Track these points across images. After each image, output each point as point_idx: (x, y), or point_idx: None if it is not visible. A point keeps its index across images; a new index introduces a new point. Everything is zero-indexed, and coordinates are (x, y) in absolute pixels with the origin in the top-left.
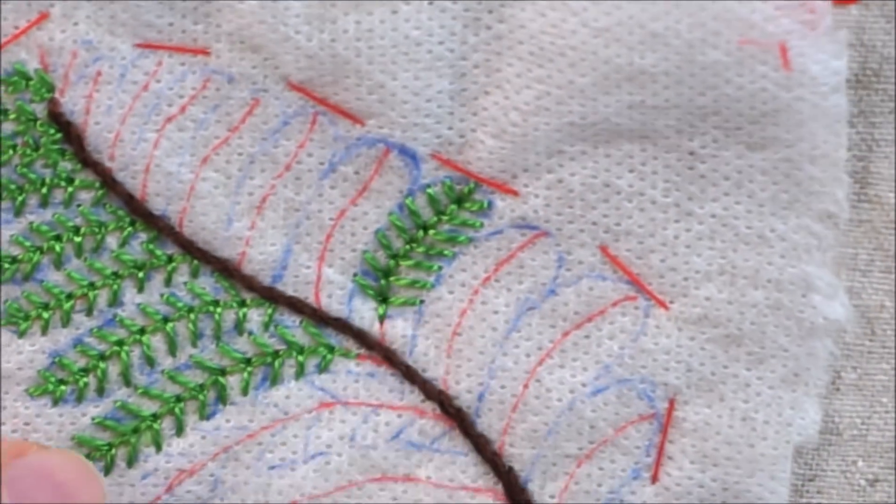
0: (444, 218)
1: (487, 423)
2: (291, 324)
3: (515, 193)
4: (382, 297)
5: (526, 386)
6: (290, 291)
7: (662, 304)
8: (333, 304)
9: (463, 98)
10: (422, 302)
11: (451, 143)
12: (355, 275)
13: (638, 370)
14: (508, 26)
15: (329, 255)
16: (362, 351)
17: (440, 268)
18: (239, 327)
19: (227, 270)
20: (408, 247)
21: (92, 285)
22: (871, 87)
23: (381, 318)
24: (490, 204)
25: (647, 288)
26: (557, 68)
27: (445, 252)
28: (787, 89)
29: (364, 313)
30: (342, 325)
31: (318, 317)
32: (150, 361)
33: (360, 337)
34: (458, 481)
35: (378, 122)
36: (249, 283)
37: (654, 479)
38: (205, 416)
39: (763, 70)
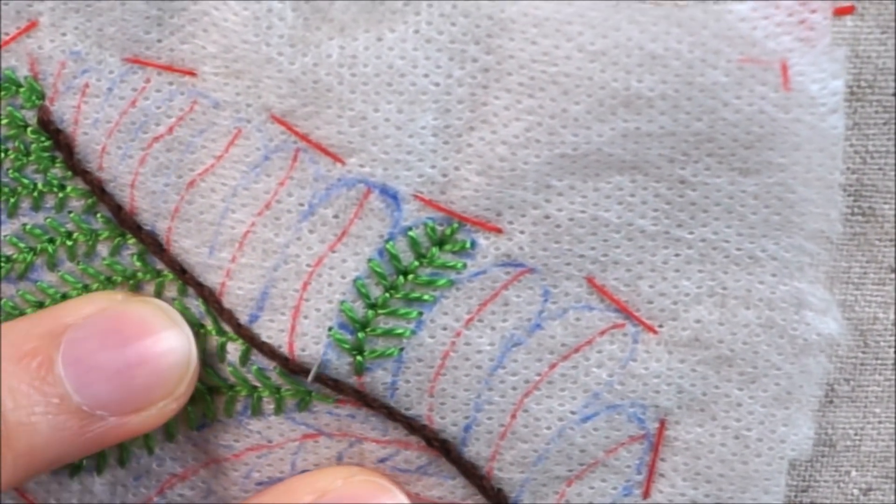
0: (425, 261)
1: (475, 451)
2: (267, 365)
3: (500, 231)
4: (359, 352)
5: (514, 416)
6: (264, 336)
7: (651, 329)
8: (307, 356)
9: (446, 135)
10: (401, 350)
11: (434, 182)
12: (331, 328)
13: (628, 395)
14: (496, 58)
15: (305, 305)
16: (340, 397)
17: (420, 314)
18: (220, 354)
19: (208, 299)
20: (387, 295)
21: (86, 288)
22: (865, 99)
23: (359, 371)
24: (473, 243)
25: (634, 314)
26: (550, 97)
27: (426, 297)
28: (784, 110)
29: (340, 368)
30: (316, 378)
31: (290, 367)
32: None
33: (337, 387)
34: (446, 500)
35: (359, 159)
36: (227, 317)
37: (646, 495)
38: (194, 426)
39: (762, 91)
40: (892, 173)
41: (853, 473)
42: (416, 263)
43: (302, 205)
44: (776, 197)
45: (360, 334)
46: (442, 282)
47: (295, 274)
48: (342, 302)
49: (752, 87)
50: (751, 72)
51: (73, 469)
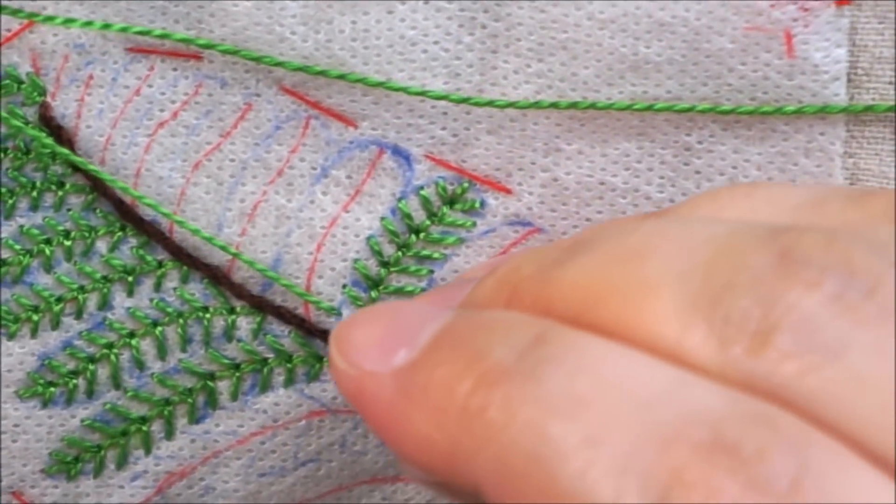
0: (436, 220)
1: None
2: (280, 333)
3: (509, 192)
4: None
5: None
6: (279, 301)
7: None
8: (322, 315)
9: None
10: None
11: (445, 143)
12: (345, 286)
13: None
14: (505, 24)
15: (319, 265)
16: None
17: (431, 272)
18: (228, 334)
19: (216, 278)
20: (399, 253)
21: (82, 289)
22: (862, 87)
23: None
24: (483, 203)
25: None
26: (559, 62)
27: (436, 255)
28: (788, 77)
29: None
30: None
31: (306, 328)
32: (139, 365)
33: None
34: None
35: (371, 123)
36: (238, 292)
37: None
38: (194, 419)
39: (766, 58)
40: (890, 159)
41: None
42: (428, 222)
43: (314, 168)
44: (778, 168)
45: (374, 292)
46: (452, 240)
47: (309, 237)
48: (356, 260)
49: (756, 53)
50: (756, 39)
51: (70, 471)
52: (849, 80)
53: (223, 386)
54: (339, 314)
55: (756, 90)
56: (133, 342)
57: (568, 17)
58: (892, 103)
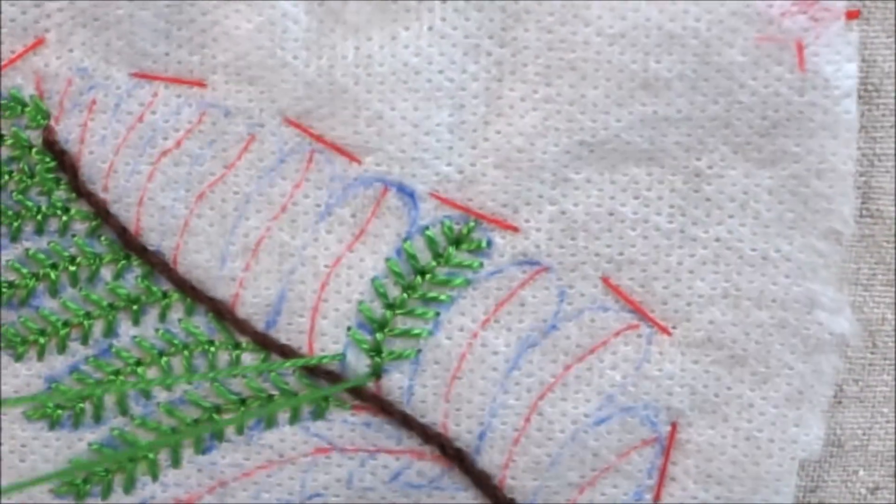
0: (442, 261)
1: (488, 460)
2: (285, 371)
3: (516, 230)
4: (377, 352)
5: (528, 420)
6: (283, 339)
7: (665, 330)
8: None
9: (462, 131)
10: (419, 352)
11: (451, 180)
12: (349, 328)
13: (641, 397)
14: (510, 50)
15: (323, 305)
16: (357, 402)
17: (437, 314)
18: (233, 368)
19: (219, 312)
20: (404, 295)
21: (88, 315)
22: (872, 103)
23: (377, 373)
24: (489, 242)
25: (649, 315)
26: (567, 83)
27: (443, 297)
28: (799, 93)
29: (358, 368)
30: (335, 379)
31: (310, 368)
32: (145, 394)
33: (355, 391)
34: None
35: (376, 158)
36: (242, 327)
37: (657, 497)
38: (201, 450)
39: (778, 71)
40: None
41: (861, 473)
42: (434, 263)
43: (318, 206)
44: (790, 191)
45: (379, 335)
46: (459, 281)
47: (313, 275)
48: (360, 302)
49: (768, 67)
50: (767, 51)
51: (79, 492)
52: (858, 97)
53: (229, 420)
54: (344, 359)
55: (767, 108)
56: (139, 370)
57: (576, 36)
58: None
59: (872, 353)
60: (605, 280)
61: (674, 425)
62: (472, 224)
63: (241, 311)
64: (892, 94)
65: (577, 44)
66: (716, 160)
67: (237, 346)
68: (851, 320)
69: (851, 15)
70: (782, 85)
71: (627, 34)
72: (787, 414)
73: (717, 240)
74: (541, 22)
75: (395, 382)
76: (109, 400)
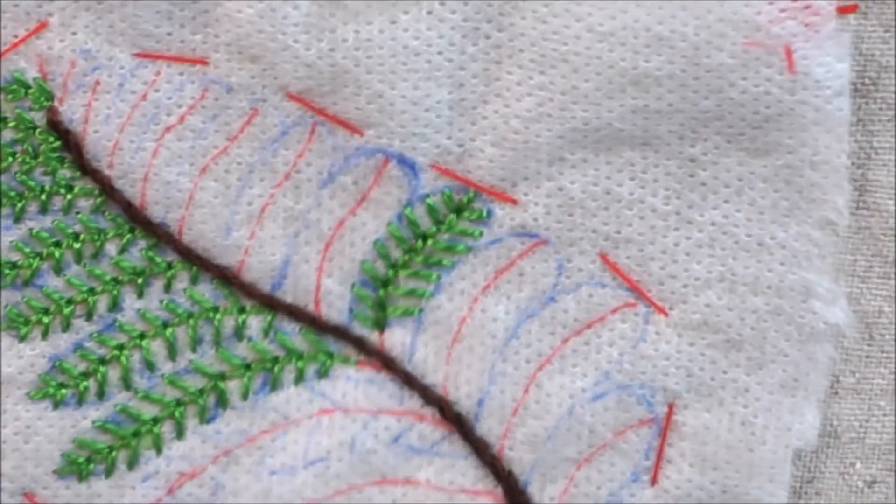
0: (443, 227)
1: (487, 428)
2: (291, 331)
3: (515, 202)
4: (381, 307)
5: (526, 391)
6: (289, 300)
7: (662, 311)
8: (333, 313)
9: (461, 108)
10: (420, 311)
11: (450, 153)
12: (354, 285)
13: (638, 376)
14: (508, 35)
15: (328, 265)
16: (362, 357)
17: (439, 277)
18: (238, 333)
19: (226, 278)
20: (406, 257)
21: (92, 291)
22: (869, 96)
23: (380, 327)
24: (489, 213)
25: (646, 294)
26: (560, 74)
27: (444, 261)
28: (790, 92)
29: (363, 322)
30: (341, 333)
31: (317, 324)
32: (149, 366)
33: (360, 344)
34: (457, 484)
35: (377, 132)
36: (249, 291)
37: (654, 481)
38: (205, 419)
39: (768, 73)
40: None
41: (858, 465)
42: (434, 229)
43: (321, 173)
44: (784, 180)
45: (382, 291)
46: (460, 247)
47: (317, 237)
48: (363, 261)
49: (757, 69)
50: (756, 55)
51: (82, 472)
52: (855, 90)
53: (233, 386)
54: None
55: (758, 104)
56: (143, 343)
57: (568, 29)
58: None
59: (869, 345)
60: (603, 256)
61: (670, 406)
62: (471, 194)
63: (247, 277)
64: (890, 88)
65: (569, 37)
66: (709, 148)
67: (242, 310)
68: (847, 311)
69: (848, 9)
70: (772, 85)
71: (617, 33)
72: (781, 401)
73: (713, 224)
74: (536, 12)
75: (397, 339)
76: (114, 376)
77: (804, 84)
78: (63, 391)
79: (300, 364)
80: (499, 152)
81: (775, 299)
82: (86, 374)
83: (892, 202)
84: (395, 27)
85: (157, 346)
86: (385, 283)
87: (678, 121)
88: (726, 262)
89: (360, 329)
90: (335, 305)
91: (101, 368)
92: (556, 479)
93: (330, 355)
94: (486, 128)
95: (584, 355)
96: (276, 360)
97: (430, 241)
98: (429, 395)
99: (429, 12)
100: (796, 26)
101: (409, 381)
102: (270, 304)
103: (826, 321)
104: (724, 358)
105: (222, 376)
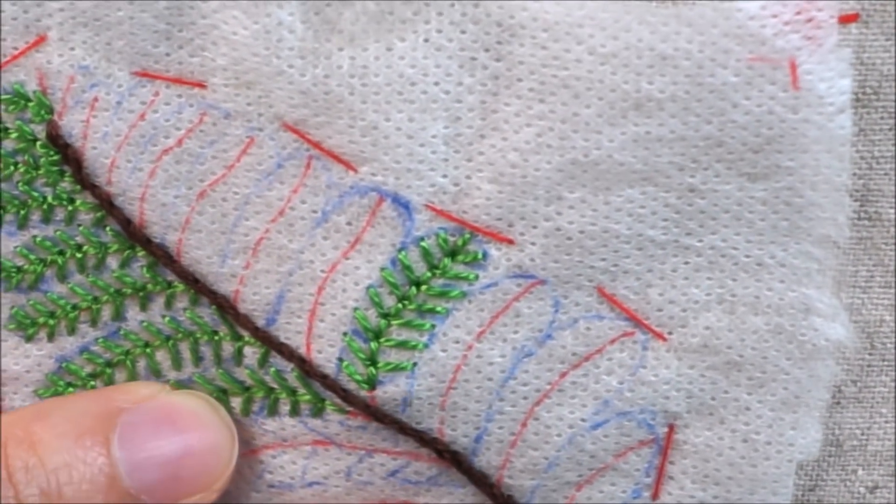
0: (438, 272)
1: (486, 461)
2: (284, 367)
3: (511, 242)
4: (372, 362)
5: (524, 425)
6: (282, 337)
7: (660, 336)
8: (323, 359)
9: (457, 144)
10: (414, 365)
11: (446, 192)
12: (345, 334)
13: (637, 402)
14: (506, 64)
15: (320, 308)
16: (351, 409)
17: (433, 326)
18: (236, 359)
19: (222, 306)
20: (400, 305)
21: (96, 300)
22: (870, 105)
23: (371, 385)
24: (485, 254)
25: (644, 322)
26: (561, 101)
27: (438, 309)
28: (793, 111)
29: (353, 376)
30: (329, 384)
31: (306, 370)
32: (155, 373)
33: (348, 399)
34: None
35: (371, 168)
36: (243, 323)
37: (655, 496)
38: None
39: (771, 90)
40: None
41: (860, 472)
42: (429, 274)
43: (315, 212)
44: (784, 202)
45: (374, 344)
46: (455, 293)
47: (310, 279)
48: (356, 309)
49: (761, 86)
50: (760, 71)
51: None
52: (856, 100)
53: (235, 402)
54: (374, 387)
55: (760, 126)
56: (148, 351)
57: (569, 53)
58: None
59: (871, 354)
60: (600, 290)
61: (671, 426)
62: (467, 236)
63: (243, 308)
64: (891, 98)
65: (570, 62)
66: (709, 177)
67: (239, 338)
68: (848, 327)
69: (850, 18)
70: (776, 104)
71: (619, 54)
72: (783, 417)
73: (712, 248)
74: (535, 38)
75: (390, 394)
76: (120, 378)
77: (807, 101)
78: (71, 390)
79: (294, 399)
80: (496, 189)
81: (775, 318)
82: (93, 376)
83: (893, 212)
84: (390, 54)
85: (161, 357)
86: (377, 334)
87: (679, 149)
88: (725, 283)
89: (348, 384)
90: (326, 351)
91: (108, 370)
92: (557, 501)
93: (322, 400)
94: (482, 164)
95: (582, 387)
96: (271, 390)
97: (424, 288)
98: (424, 438)
99: (426, 40)
100: (800, 40)
101: (402, 428)
102: (264, 339)
103: (827, 337)
104: (725, 378)
105: (224, 392)
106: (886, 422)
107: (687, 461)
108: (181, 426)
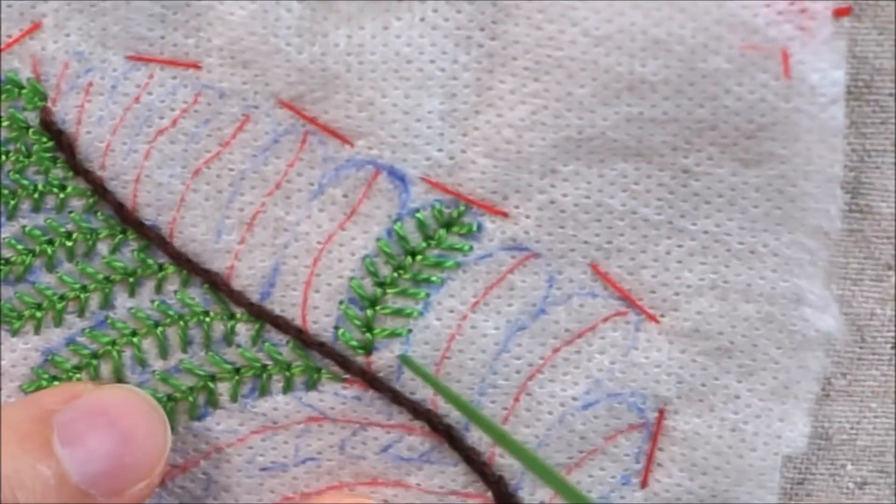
0: (433, 243)
1: (478, 437)
2: (279, 342)
3: (506, 215)
4: (368, 328)
5: (517, 399)
6: (277, 311)
7: (653, 318)
8: (319, 329)
9: (453, 119)
10: (409, 332)
11: (441, 165)
12: (341, 302)
13: (628, 384)
14: (501, 43)
15: (316, 279)
16: (348, 376)
17: (428, 295)
18: (228, 339)
19: (215, 284)
20: (395, 274)
21: (84, 288)
22: (862, 99)
23: (367, 351)
24: (479, 226)
25: (637, 303)
26: (555, 80)
27: (433, 278)
28: (785, 99)
29: (350, 342)
30: (326, 351)
31: (303, 339)
32: (141, 363)
33: (345, 364)
34: (448, 488)
35: (367, 142)
36: (237, 299)
37: (644, 484)
38: (195, 416)
39: (763, 78)
40: (890, 171)
41: (849, 467)
42: (424, 245)
43: (311, 184)
44: (777, 190)
45: (370, 311)
46: (449, 263)
47: (305, 250)
48: (352, 278)
49: (753, 74)
50: (752, 59)
51: None
52: (849, 93)
53: (223, 387)
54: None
55: (753, 112)
56: (135, 340)
57: (564, 34)
58: None
59: (861, 347)
60: (594, 267)
61: (661, 411)
62: (462, 208)
63: (237, 283)
64: (883, 91)
65: (565, 42)
66: (703, 159)
67: (232, 316)
68: (838, 318)
69: (842, 12)
70: (768, 92)
71: (613, 37)
72: (772, 408)
73: (705, 232)
74: (530, 18)
75: (385, 361)
76: (106, 370)
77: (799, 90)
78: (56, 384)
79: (288, 374)
80: (490, 164)
81: (767, 307)
82: (78, 368)
83: (884, 205)
84: (387, 33)
85: (148, 344)
86: (373, 301)
87: (672, 130)
88: (718, 269)
89: (345, 350)
90: (322, 321)
91: (94, 362)
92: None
93: (318, 370)
94: (477, 139)
95: (574, 364)
96: (264, 367)
97: (419, 258)
98: (418, 410)
99: (422, 19)
100: (793, 30)
101: (397, 398)
102: (259, 313)
103: (817, 328)
104: (716, 365)
105: (212, 377)
106: (876, 416)
107: (675, 448)
108: (114, 416)
